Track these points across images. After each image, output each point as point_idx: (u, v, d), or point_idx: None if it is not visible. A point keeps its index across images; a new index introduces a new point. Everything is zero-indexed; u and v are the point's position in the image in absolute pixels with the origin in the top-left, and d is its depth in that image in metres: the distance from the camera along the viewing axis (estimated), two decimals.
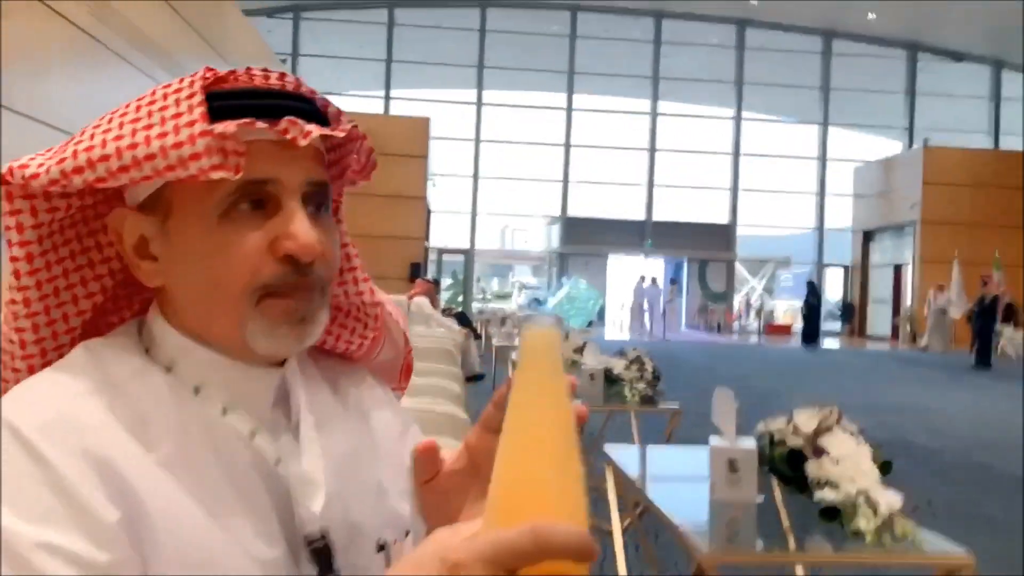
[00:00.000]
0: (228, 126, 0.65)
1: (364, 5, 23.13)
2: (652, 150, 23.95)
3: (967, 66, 24.08)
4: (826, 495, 2.00)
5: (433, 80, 23.74)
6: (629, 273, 23.19)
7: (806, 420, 2.22)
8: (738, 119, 24.15)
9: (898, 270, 22.36)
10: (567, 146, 23.77)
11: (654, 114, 24.03)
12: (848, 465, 2.05)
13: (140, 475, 0.63)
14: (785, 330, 23.09)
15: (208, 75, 0.69)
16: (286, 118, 0.67)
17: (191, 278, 0.70)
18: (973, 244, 20.23)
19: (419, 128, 19.42)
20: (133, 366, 0.70)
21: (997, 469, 5.88)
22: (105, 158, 0.65)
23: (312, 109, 0.72)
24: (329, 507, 0.72)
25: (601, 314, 22.64)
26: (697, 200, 23.95)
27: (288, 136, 0.67)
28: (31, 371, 0.72)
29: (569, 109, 23.84)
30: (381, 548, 0.76)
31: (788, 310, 24.76)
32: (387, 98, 23.52)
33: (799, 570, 2.46)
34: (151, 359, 0.71)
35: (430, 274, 18.35)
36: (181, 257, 0.69)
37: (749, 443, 2.21)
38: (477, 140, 23.32)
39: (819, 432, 2.16)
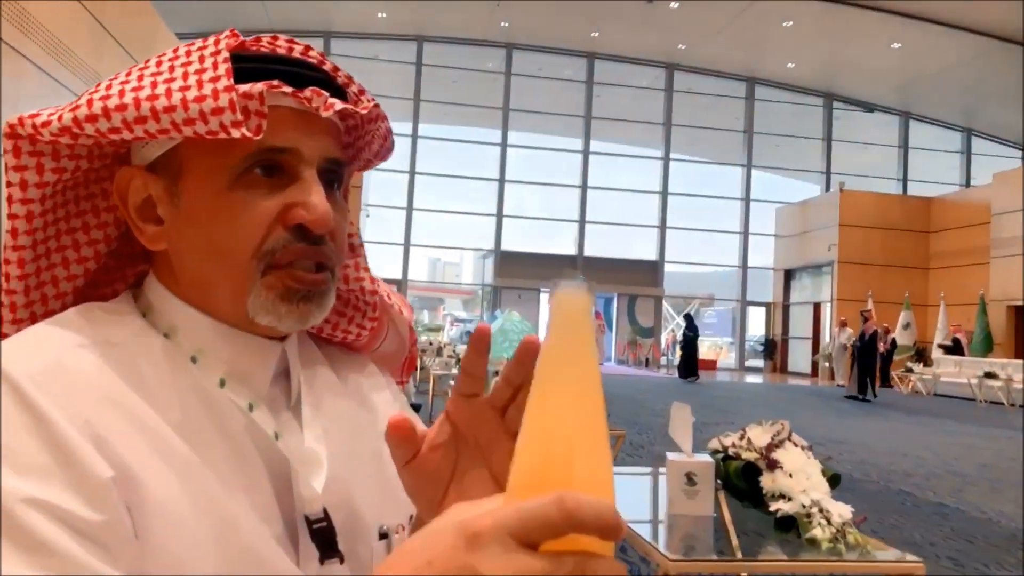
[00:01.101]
0: (255, 86, 0.63)
1: (301, 34, 22.98)
2: (584, 187, 24.41)
3: (878, 116, 25.52)
4: (781, 506, 2.06)
5: None
6: None
7: (759, 435, 2.29)
8: (666, 159, 24.89)
9: (817, 308, 23.29)
10: (501, 181, 24.01)
11: (586, 152, 24.54)
12: (800, 478, 2.12)
13: (136, 434, 0.59)
14: (711, 365, 23.65)
15: (232, 39, 0.67)
16: (310, 87, 0.66)
17: (197, 243, 0.67)
18: (885, 284, 21.30)
19: None
20: (131, 328, 0.67)
21: (916, 496, 6.14)
22: (122, 108, 0.62)
23: (335, 85, 0.71)
24: (331, 487, 0.69)
25: None
26: (626, 237, 24.47)
27: (311, 105, 0.66)
28: None
29: (504, 145, 24.14)
30: (383, 536, 0.73)
31: (712, 346, 25.44)
32: None
33: None
34: (149, 325, 0.68)
35: None
36: (188, 220, 0.67)
37: (705, 458, 2.26)
38: (412, 172, 23.33)
39: (772, 447, 2.23)
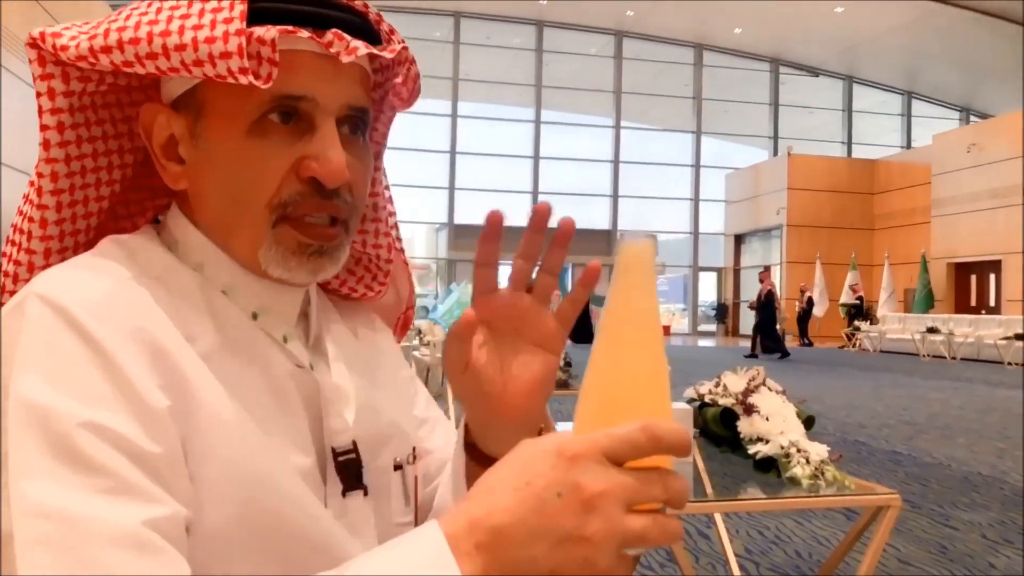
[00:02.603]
0: (268, 31, 0.60)
1: None
2: (536, 157, 24.35)
3: (823, 80, 25.93)
4: (760, 448, 2.09)
5: None
6: None
7: (735, 381, 2.31)
8: (617, 127, 24.94)
9: (767, 271, 23.74)
10: (452, 153, 23.81)
11: (538, 122, 24.45)
12: (777, 420, 2.15)
13: (189, 366, 0.58)
14: (664, 331, 23.97)
15: None
16: (332, 30, 0.63)
17: (214, 188, 0.65)
18: (833, 245, 21.80)
19: None
20: (164, 263, 0.65)
21: (871, 445, 6.34)
22: (135, 41, 0.59)
23: (363, 24, 0.67)
24: (358, 420, 0.70)
25: None
26: (580, 206, 24.53)
27: (331, 50, 0.62)
28: (47, 255, 0.66)
29: (454, 116, 23.91)
30: (398, 467, 0.74)
31: (665, 312, 25.78)
32: None
33: (719, 520, 2.55)
34: (178, 259, 0.67)
35: None
36: (207, 164, 0.65)
37: (682, 406, 2.28)
38: None
39: (748, 392, 2.25)
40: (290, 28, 0.61)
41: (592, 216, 24.59)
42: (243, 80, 0.59)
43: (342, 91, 0.65)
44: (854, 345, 18.54)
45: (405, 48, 0.70)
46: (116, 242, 0.65)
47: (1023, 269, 17.43)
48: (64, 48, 0.61)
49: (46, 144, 0.64)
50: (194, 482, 0.55)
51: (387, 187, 0.84)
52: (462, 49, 23.74)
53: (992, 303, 18.63)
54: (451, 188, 23.75)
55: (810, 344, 19.14)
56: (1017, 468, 5.54)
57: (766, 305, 16.01)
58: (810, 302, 19.39)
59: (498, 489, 0.46)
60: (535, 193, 24.17)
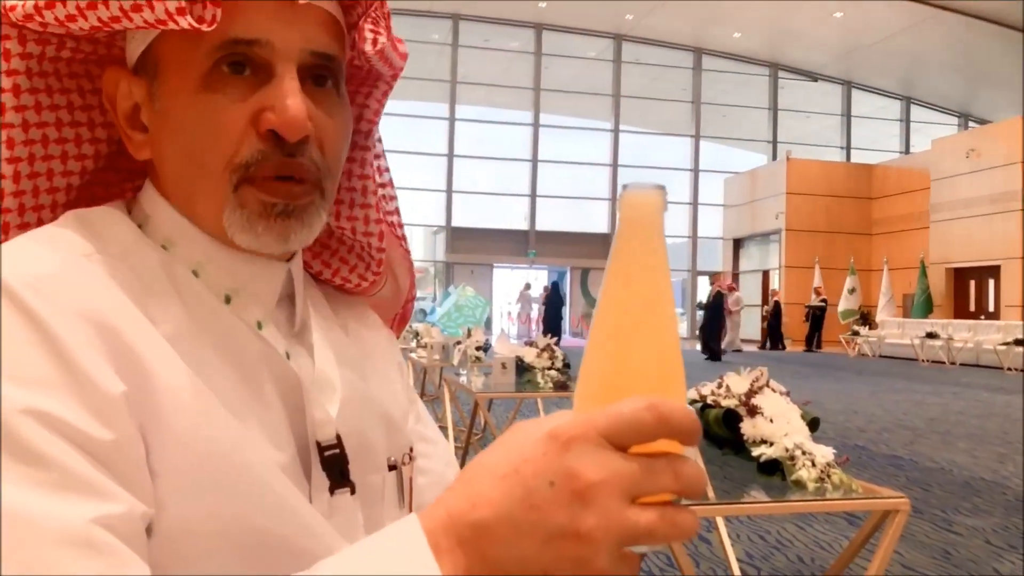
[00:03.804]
0: None
1: None
2: (534, 161, 24.32)
3: (822, 85, 25.94)
4: (764, 451, 2.04)
5: None
6: (512, 282, 23.41)
7: (738, 382, 2.26)
8: (616, 131, 24.92)
9: (766, 275, 23.71)
10: (450, 156, 23.77)
11: (536, 125, 24.42)
12: (781, 422, 2.10)
13: (148, 348, 0.52)
14: None
15: None
16: None
17: (170, 151, 0.60)
18: (831, 250, 21.78)
19: None
20: (129, 239, 0.60)
21: (871, 450, 6.29)
22: None
23: None
24: (344, 413, 0.64)
25: (488, 323, 22.74)
26: (578, 209, 24.50)
27: None
28: (5, 229, 0.61)
29: (452, 119, 23.87)
30: (392, 467, 0.68)
31: None
32: None
33: (721, 524, 2.50)
34: (145, 236, 0.61)
35: None
36: (164, 127, 0.60)
37: None
38: None
39: (751, 393, 2.20)
40: None
41: (592, 219, 24.55)
42: (183, 23, 0.54)
43: (302, 34, 0.59)
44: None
45: None
46: (77, 216, 0.60)
47: (1022, 274, 17.41)
48: (12, 8, 0.57)
49: (1, 108, 0.59)
50: (155, 476, 0.50)
51: (385, 169, 0.78)
52: (461, 52, 23.72)
53: (991, 308, 18.59)
54: (449, 191, 23.70)
55: (782, 348, 19.82)
56: (1018, 473, 5.49)
57: (714, 306, 16.38)
58: (777, 305, 20.01)
59: (482, 478, 0.40)
60: (533, 196, 24.14)
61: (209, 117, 0.58)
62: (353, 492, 0.63)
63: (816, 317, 19.68)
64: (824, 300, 19.80)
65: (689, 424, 0.39)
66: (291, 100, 0.57)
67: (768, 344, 20.09)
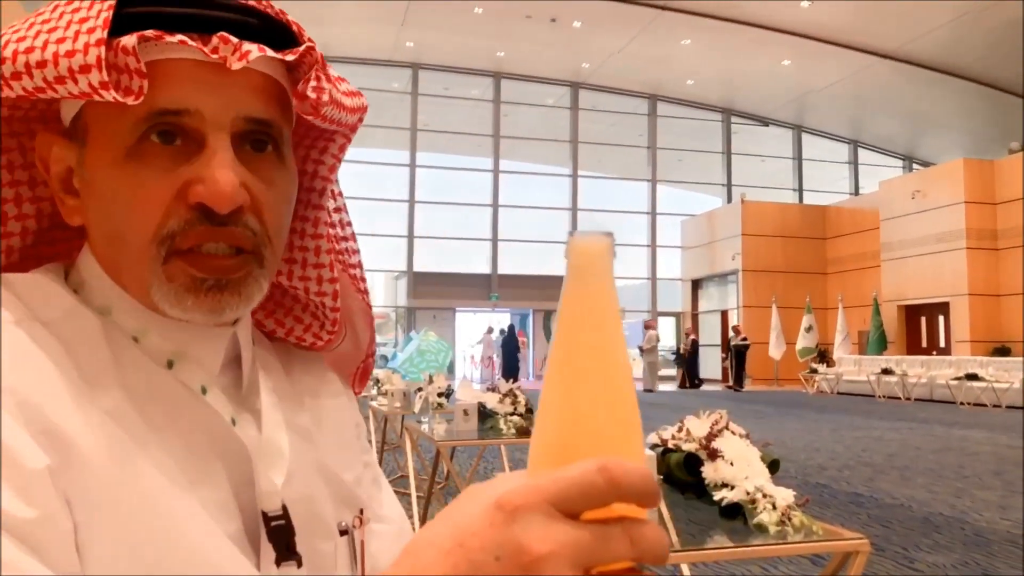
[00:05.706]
0: (131, 38, 0.54)
1: None
2: (495, 206, 24.50)
3: (773, 129, 26.71)
4: (726, 494, 2.04)
5: None
6: (475, 326, 23.38)
7: (697, 425, 2.28)
8: (575, 176, 25.27)
9: (724, 315, 24.01)
10: (411, 202, 23.84)
11: (496, 171, 24.66)
12: (742, 465, 2.12)
13: (74, 420, 0.50)
14: None
15: None
16: (219, 33, 0.56)
17: (98, 222, 0.59)
18: (787, 290, 22.20)
19: None
20: (63, 306, 0.58)
21: (832, 488, 6.34)
22: (2, 61, 0.54)
23: (264, 26, 0.59)
24: (291, 481, 0.62)
25: (451, 367, 22.61)
26: (540, 253, 24.66)
27: (216, 56, 0.55)
28: None
29: (413, 165, 24.00)
30: (343, 532, 0.67)
31: None
32: None
33: (685, 570, 2.49)
34: (81, 303, 0.59)
35: None
36: (92, 196, 0.59)
37: (646, 451, 2.23)
38: None
39: (711, 436, 2.22)
40: (155, 33, 0.55)
41: (553, 262, 24.71)
42: (107, 96, 0.53)
43: (234, 101, 0.57)
44: (812, 386, 18.77)
45: (312, 49, 0.60)
46: (6, 281, 0.58)
47: (970, 310, 17.91)
48: None
49: None
50: (83, 551, 0.47)
51: (348, 223, 0.77)
52: (421, 100, 23.96)
53: (942, 344, 19.05)
54: (410, 236, 23.71)
55: (697, 385, 21.19)
56: (976, 508, 5.58)
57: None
58: (694, 344, 21.48)
59: (428, 553, 0.38)
60: (494, 240, 24.26)
61: (134, 189, 0.56)
62: (300, 565, 0.61)
63: (739, 355, 20.09)
64: (745, 339, 20.30)
65: (643, 485, 0.36)
66: (220, 172, 0.55)
67: (687, 383, 21.06)
